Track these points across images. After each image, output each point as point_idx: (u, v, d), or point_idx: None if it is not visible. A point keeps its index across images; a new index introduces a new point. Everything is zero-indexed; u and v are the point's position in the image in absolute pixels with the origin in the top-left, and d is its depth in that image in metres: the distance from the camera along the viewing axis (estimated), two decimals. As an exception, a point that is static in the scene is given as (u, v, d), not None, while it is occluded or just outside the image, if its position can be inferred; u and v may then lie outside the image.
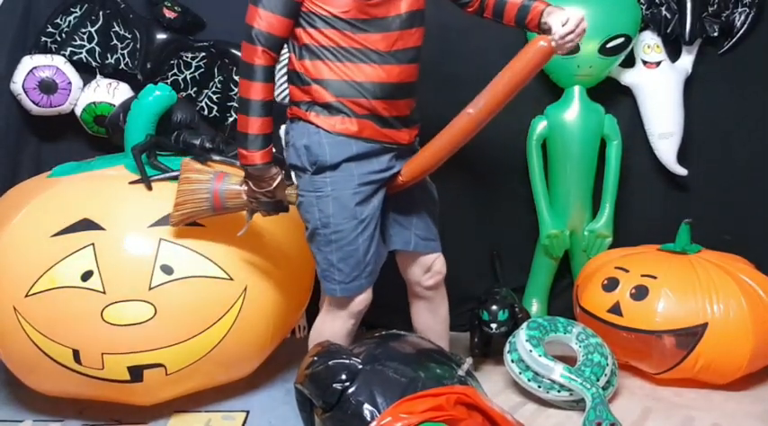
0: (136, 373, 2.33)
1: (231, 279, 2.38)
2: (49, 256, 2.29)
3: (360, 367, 2.02)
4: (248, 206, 2.29)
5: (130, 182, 2.47)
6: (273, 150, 2.18)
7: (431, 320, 2.47)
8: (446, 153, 2.18)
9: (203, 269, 2.35)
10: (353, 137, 2.13)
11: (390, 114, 2.15)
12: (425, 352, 2.18)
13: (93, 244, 2.29)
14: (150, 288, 2.28)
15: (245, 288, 2.41)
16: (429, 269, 2.37)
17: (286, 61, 2.88)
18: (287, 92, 2.90)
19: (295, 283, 2.63)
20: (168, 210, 2.38)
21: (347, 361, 2.04)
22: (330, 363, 2.04)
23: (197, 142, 2.69)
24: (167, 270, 2.31)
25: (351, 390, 1.98)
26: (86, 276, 2.26)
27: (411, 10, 2.12)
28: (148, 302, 2.28)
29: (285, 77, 2.88)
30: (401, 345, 2.19)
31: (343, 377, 2.00)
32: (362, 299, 2.23)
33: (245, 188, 2.24)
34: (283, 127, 3.00)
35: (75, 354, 2.29)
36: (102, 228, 2.32)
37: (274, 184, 2.17)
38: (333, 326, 2.27)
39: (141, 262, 2.30)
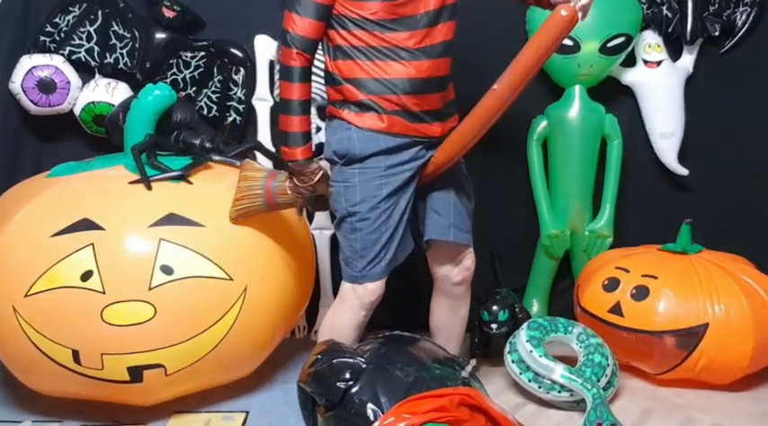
0: (135, 373, 2.32)
1: (231, 279, 2.38)
2: (49, 256, 2.27)
3: (364, 366, 2.02)
4: (296, 201, 2.37)
5: (130, 182, 2.45)
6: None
7: (449, 318, 2.51)
8: (476, 131, 2.21)
9: (203, 269, 2.34)
10: (382, 132, 2.20)
11: (421, 109, 2.20)
12: (429, 353, 2.18)
13: (92, 244, 2.28)
14: (150, 289, 2.27)
15: (245, 289, 2.40)
16: (459, 263, 2.42)
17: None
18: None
19: (295, 283, 2.62)
20: (168, 210, 2.38)
21: (351, 360, 2.04)
22: (334, 361, 2.04)
23: (197, 142, 2.68)
24: (167, 270, 2.30)
25: (354, 389, 1.98)
26: (86, 276, 2.25)
27: (439, 6, 2.17)
28: (148, 302, 2.27)
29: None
30: (405, 346, 2.19)
31: (347, 375, 2.00)
32: (374, 290, 2.27)
33: (290, 184, 2.32)
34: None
35: (75, 354, 2.28)
36: (101, 228, 2.31)
37: (315, 179, 2.26)
38: (344, 317, 2.30)
39: (141, 263, 2.29)
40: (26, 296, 2.26)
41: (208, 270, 2.34)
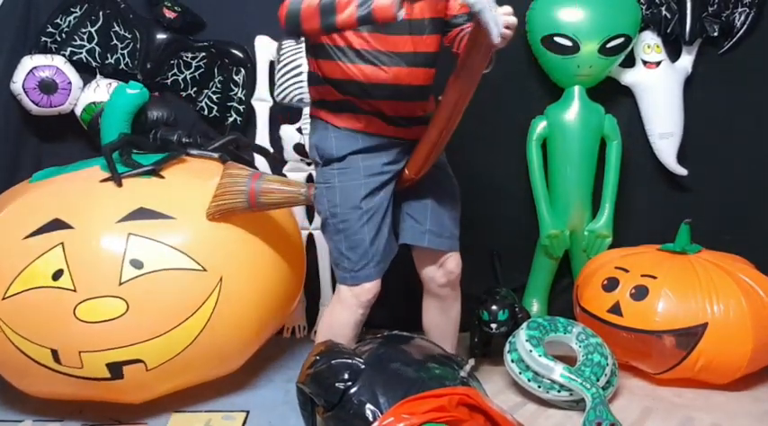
0: (115, 370, 2.31)
1: (204, 270, 2.35)
2: (22, 258, 2.29)
3: (362, 366, 2.03)
4: None
5: (101, 180, 2.46)
6: None
7: (440, 319, 2.49)
8: (433, 140, 2.18)
9: (174, 261, 2.33)
10: (360, 131, 2.20)
11: (397, 114, 2.20)
12: (428, 353, 2.18)
13: (62, 244, 2.28)
14: (120, 284, 2.26)
15: (221, 279, 2.38)
16: (442, 266, 2.39)
17: (287, 61, 2.90)
18: (287, 91, 2.92)
19: (280, 275, 2.60)
20: (138, 205, 2.37)
21: (350, 361, 2.04)
22: (333, 362, 2.04)
23: (173, 138, 2.69)
24: (137, 264, 2.29)
25: (353, 390, 1.98)
26: (57, 275, 2.25)
27: (426, 17, 2.16)
28: (120, 297, 2.26)
29: (286, 77, 2.90)
30: (404, 346, 2.20)
31: (346, 376, 2.00)
32: (371, 288, 2.26)
33: None
34: (283, 126, 3.04)
35: (54, 354, 2.29)
36: (71, 227, 2.31)
37: None
38: (341, 316, 2.30)
39: (110, 258, 2.28)
40: (3, 298, 2.27)
41: (179, 262, 2.33)
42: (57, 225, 2.32)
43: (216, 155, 2.67)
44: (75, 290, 2.25)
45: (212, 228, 2.42)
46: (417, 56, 2.17)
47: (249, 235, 2.50)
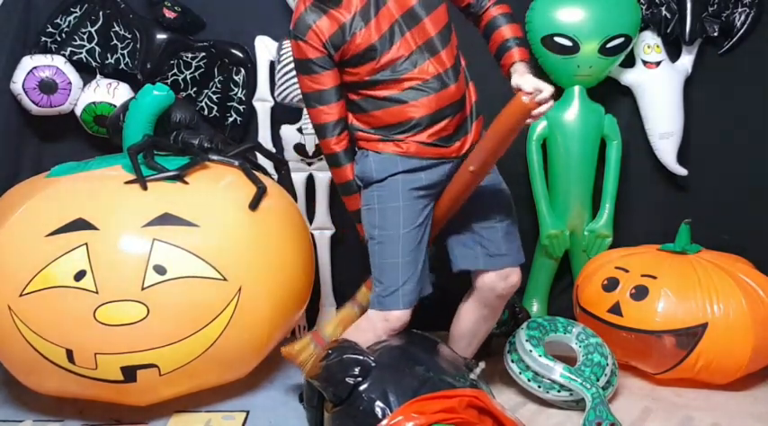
0: (129, 373, 2.32)
1: (225, 279, 2.36)
2: (44, 256, 2.27)
3: (373, 364, 2.03)
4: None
5: (126, 182, 2.44)
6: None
7: (478, 326, 2.44)
8: (450, 205, 2.24)
9: (197, 269, 2.33)
10: (400, 155, 2.20)
11: (438, 137, 2.19)
12: (439, 354, 2.19)
13: (86, 244, 2.27)
14: (143, 289, 2.26)
15: (240, 289, 2.39)
16: (506, 278, 2.35)
17: (288, 61, 2.90)
18: (288, 91, 2.91)
19: (293, 284, 2.61)
20: (163, 210, 2.36)
21: (361, 357, 2.05)
22: (344, 357, 2.05)
23: (195, 142, 2.68)
24: (160, 270, 2.29)
25: (363, 386, 1.99)
26: (79, 276, 2.25)
27: (433, 34, 2.16)
28: (141, 302, 2.26)
29: (286, 77, 2.89)
30: (416, 345, 2.20)
31: (356, 371, 2.01)
32: (402, 316, 2.22)
33: None
34: (284, 127, 3.04)
35: (69, 354, 2.28)
36: (95, 228, 2.30)
37: None
38: (365, 336, 2.25)
39: (134, 262, 2.28)
40: (21, 295, 2.26)
41: (201, 271, 2.33)
42: (81, 224, 2.30)
43: (236, 162, 2.66)
44: (96, 292, 2.24)
45: (234, 238, 2.42)
46: (439, 79, 2.15)
47: (267, 244, 2.50)
